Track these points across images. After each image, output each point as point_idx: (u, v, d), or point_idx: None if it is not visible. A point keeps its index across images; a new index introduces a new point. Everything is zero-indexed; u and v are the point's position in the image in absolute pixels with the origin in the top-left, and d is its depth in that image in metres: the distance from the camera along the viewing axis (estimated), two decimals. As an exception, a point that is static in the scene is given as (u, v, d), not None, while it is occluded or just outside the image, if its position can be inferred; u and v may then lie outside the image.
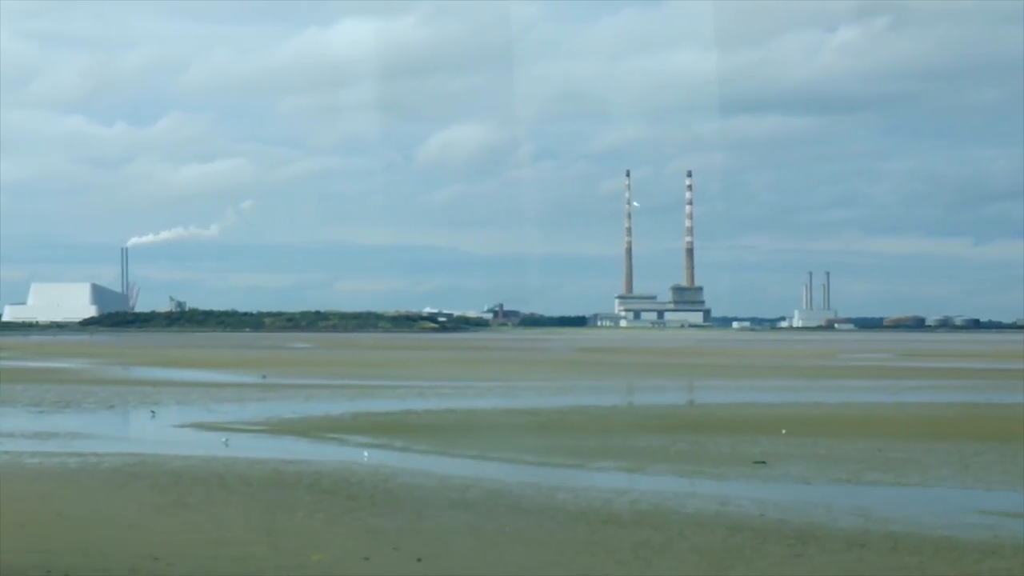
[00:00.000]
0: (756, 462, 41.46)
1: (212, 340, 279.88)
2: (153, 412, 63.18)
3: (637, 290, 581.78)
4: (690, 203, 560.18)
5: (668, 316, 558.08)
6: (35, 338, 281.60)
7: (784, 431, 51.86)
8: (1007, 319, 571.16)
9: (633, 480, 37.95)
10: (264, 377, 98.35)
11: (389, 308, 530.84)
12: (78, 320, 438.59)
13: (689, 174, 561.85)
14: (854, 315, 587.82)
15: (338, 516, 29.77)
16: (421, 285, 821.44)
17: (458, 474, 38.01)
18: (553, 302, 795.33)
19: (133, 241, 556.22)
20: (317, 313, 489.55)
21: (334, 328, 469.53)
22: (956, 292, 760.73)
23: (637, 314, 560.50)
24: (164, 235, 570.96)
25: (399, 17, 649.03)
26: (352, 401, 71.40)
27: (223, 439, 48.06)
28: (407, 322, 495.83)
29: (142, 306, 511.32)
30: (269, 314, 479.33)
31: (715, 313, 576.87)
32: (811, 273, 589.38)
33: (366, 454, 43.16)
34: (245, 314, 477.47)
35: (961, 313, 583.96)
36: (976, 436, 49.95)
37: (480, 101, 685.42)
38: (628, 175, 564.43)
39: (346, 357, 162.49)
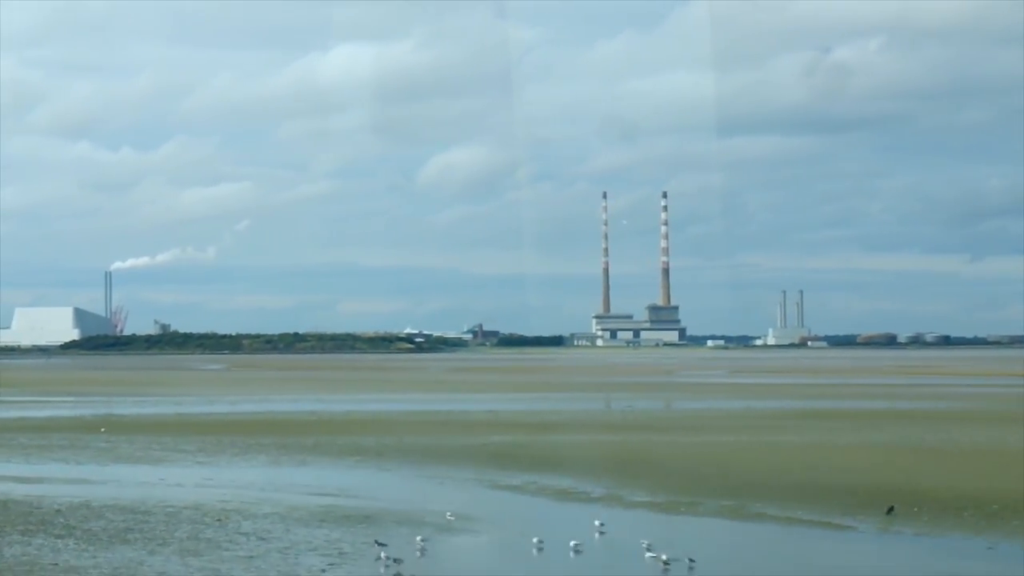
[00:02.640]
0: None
1: (141, 362, 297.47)
2: None
3: (619, 309, 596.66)
4: (665, 224, 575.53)
5: (644, 335, 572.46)
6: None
7: (103, 429, 68.26)
8: (1003, 334, 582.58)
9: None
10: None
11: (394, 329, 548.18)
12: (60, 344, 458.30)
13: (664, 195, 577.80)
14: (843, 332, 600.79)
15: None
16: (423, 306, 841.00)
17: None
18: (547, 321, 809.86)
19: (130, 263, 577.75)
20: (295, 335, 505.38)
21: (311, 349, 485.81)
22: (953, 308, 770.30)
23: (614, 333, 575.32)
24: (161, 258, 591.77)
25: (397, 42, 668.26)
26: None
27: None
28: (384, 343, 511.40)
29: (132, 328, 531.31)
30: (248, 336, 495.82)
31: (694, 331, 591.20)
32: (785, 292, 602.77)
33: None
34: (224, 336, 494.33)
35: (955, 331, 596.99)
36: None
37: (479, 124, 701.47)
38: (605, 197, 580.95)
39: (196, 377, 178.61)
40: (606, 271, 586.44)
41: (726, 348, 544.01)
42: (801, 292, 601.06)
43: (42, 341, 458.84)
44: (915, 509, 38.03)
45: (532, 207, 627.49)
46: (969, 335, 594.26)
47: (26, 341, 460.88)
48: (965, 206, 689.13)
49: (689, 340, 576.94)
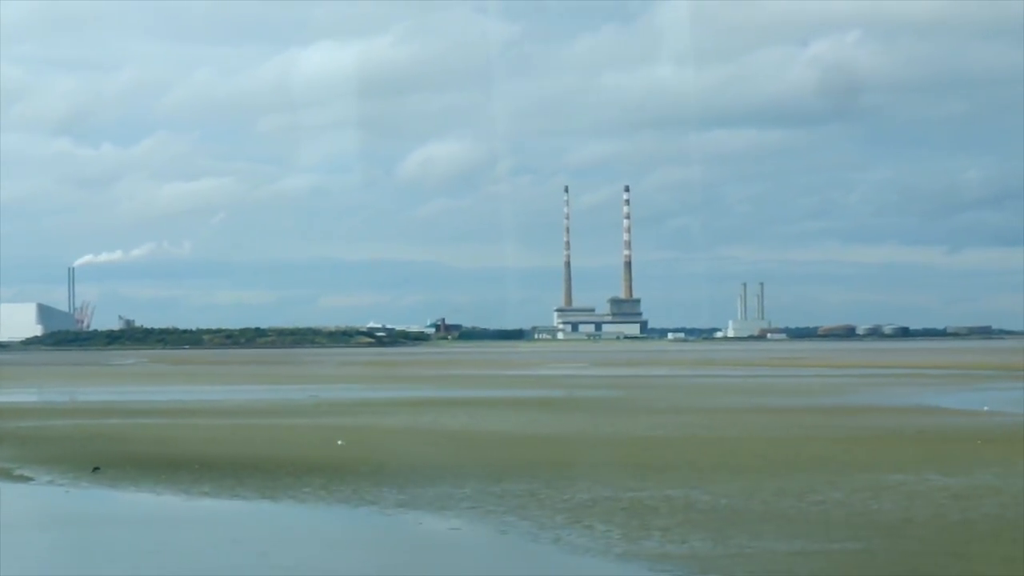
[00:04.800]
0: None
1: (70, 358, 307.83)
2: None
3: (587, 303, 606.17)
4: (627, 217, 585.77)
5: (606, 328, 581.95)
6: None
7: None
8: (961, 325, 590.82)
9: None
10: None
11: (372, 323, 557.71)
12: (21, 339, 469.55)
13: (627, 189, 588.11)
14: (811, 324, 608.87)
15: None
16: (402, 300, 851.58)
17: None
18: (520, 315, 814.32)
19: (103, 257, 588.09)
20: (257, 329, 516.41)
21: (272, 344, 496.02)
22: (931, 299, 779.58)
23: (575, 326, 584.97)
24: (135, 253, 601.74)
25: (377, 37, 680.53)
26: None
27: None
28: (344, 337, 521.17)
29: (102, 324, 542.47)
30: (209, 331, 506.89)
31: (658, 324, 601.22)
32: (745, 284, 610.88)
33: None
34: (185, 331, 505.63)
35: (935, 322, 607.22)
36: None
37: (459, 118, 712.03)
38: (567, 191, 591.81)
39: (70, 372, 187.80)
40: (567, 264, 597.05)
41: (685, 341, 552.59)
42: (762, 284, 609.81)
43: (4, 337, 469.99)
44: (126, 469, 46.25)
45: (511, 201, 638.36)
46: (940, 326, 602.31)
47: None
48: (943, 198, 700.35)
49: (650, 333, 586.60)
